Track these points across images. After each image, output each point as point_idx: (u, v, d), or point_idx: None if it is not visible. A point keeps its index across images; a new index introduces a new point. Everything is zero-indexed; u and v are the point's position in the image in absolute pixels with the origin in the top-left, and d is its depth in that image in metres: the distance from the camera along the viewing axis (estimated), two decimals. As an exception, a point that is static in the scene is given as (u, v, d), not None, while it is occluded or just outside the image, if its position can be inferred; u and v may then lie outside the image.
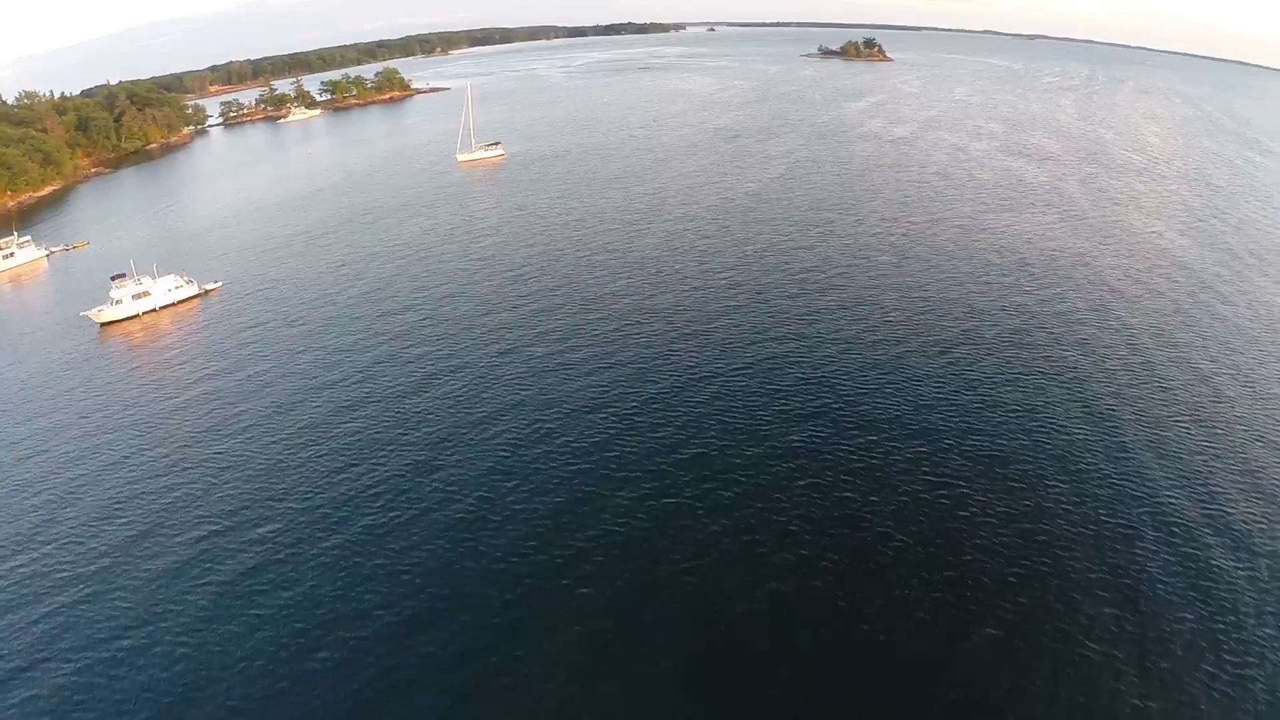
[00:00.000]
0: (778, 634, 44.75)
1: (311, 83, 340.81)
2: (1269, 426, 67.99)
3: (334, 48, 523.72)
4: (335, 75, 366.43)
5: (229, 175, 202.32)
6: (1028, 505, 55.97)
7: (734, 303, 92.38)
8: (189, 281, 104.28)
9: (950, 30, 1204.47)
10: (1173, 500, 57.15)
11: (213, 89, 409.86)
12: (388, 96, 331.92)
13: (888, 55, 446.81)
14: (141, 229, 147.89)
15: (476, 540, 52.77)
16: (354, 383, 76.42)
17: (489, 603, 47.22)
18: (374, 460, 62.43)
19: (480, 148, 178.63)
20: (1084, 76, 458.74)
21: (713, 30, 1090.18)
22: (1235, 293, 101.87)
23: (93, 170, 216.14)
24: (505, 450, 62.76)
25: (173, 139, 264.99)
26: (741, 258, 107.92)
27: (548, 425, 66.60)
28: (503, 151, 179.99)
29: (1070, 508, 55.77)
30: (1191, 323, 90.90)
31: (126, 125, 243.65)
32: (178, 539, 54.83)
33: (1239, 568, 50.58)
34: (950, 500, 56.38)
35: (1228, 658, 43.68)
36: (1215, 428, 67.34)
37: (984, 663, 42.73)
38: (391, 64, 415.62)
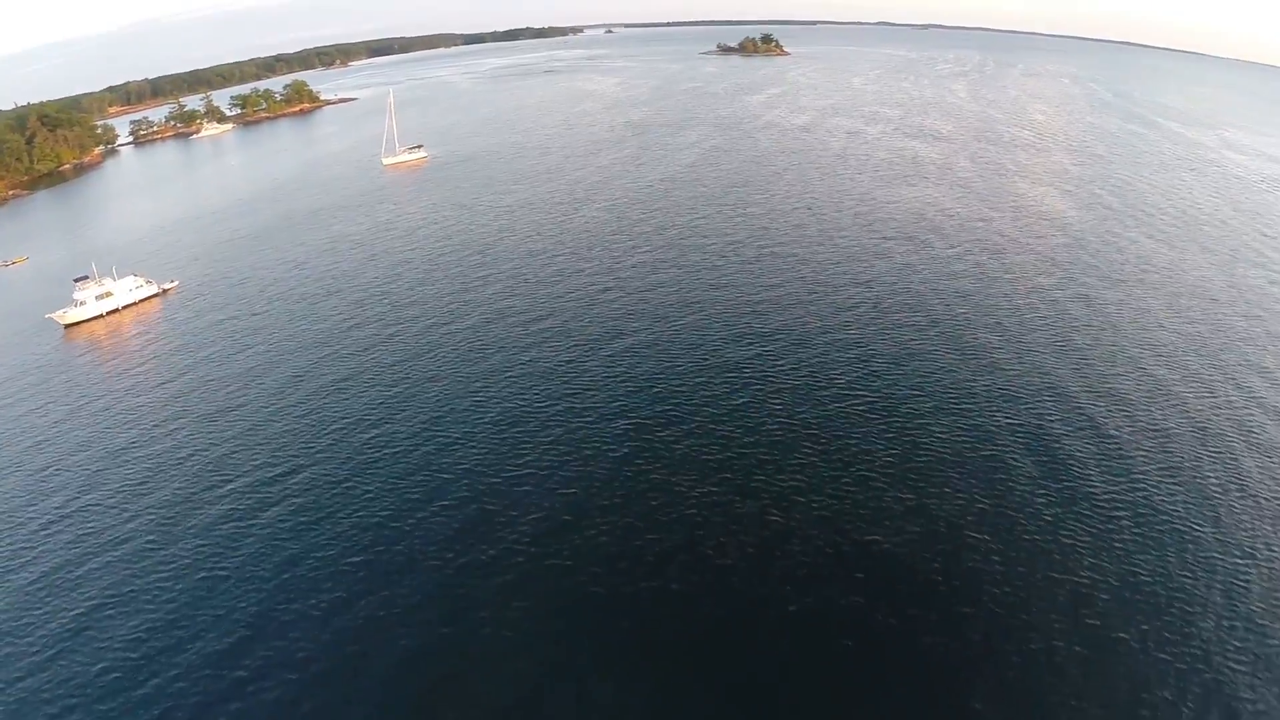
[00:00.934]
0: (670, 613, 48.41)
1: (219, 98, 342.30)
2: (1133, 357, 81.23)
3: (231, 64, 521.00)
4: (241, 90, 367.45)
5: (155, 189, 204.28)
6: (915, 436, 67.02)
7: (662, 276, 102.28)
8: (148, 282, 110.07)
9: (845, 23, 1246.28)
10: (1050, 426, 69.22)
11: (112, 110, 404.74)
12: (298, 109, 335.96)
13: (785, 50, 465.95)
14: (81, 241, 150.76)
15: (414, 524, 57.86)
16: (314, 366, 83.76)
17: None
18: (330, 439, 69.84)
19: (404, 150, 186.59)
20: (975, 63, 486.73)
21: (610, 32, 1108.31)
22: (1106, 245, 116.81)
23: (10, 193, 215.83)
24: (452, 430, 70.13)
25: (85, 159, 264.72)
26: (665, 236, 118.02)
27: (516, 388, 75.16)
28: (425, 154, 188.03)
29: (945, 435, 66.90)
30: (1066, 271, 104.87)
31: (39, 147, 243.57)
32: (171, 514, 61.05)
33: (1116, 493, 61.85)
34: (847, 436, 66.95)
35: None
36: (1086, 358, 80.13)
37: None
38: (292, 77, 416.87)
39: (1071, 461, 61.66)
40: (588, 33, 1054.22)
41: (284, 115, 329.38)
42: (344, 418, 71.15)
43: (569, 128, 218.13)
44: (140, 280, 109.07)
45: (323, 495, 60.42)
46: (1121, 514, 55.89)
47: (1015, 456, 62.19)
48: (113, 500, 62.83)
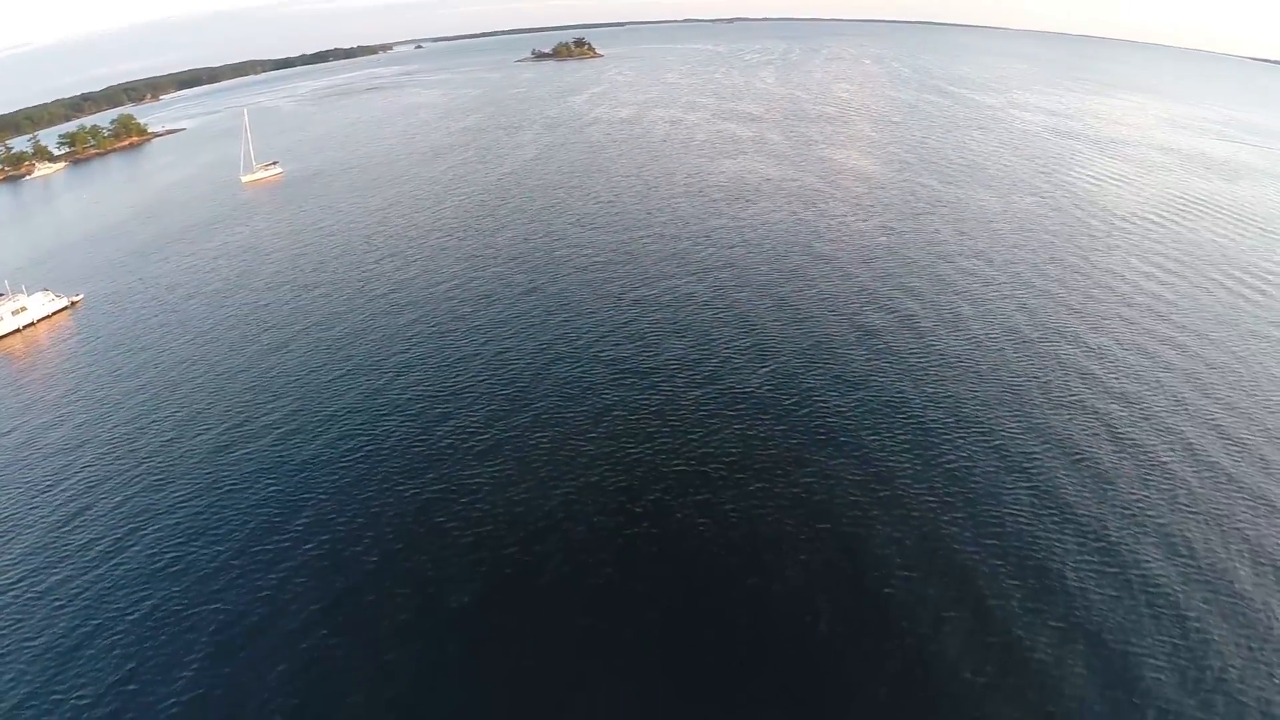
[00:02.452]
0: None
1: (43, 137, 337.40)
2: (927, 265, 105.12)
3: (36, 106, 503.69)
4: (68, 128, 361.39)
5: (18, 224, 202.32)
6: (715, 376, 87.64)
7: (530, 246, 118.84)
8: (57, 296, 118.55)
9: (652, 22, 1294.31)
10: (867, 320, 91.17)
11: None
12: (127, 142, 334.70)
13: (598, 52, 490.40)
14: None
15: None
16: (224, 360, 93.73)
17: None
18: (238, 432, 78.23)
19: (261, 168, 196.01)
20: (781, 51, 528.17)
21: (420, 47, 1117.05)
22: (903, 190, 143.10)
23: None
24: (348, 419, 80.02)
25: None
26: (525, 215, 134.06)
27: (406, 367, 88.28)
28: (280, 170, 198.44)
29: (750, 371, 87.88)
30: (870, 211, 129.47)
31: None
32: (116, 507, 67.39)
33: (927, 407, 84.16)
34: (657, 394, 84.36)
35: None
36: (890, 269, 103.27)
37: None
38: (102, 116, 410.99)
39: (885, 350, 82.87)
40: (396, 49, 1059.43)
41: (115, 150, 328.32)
42: (264, 413, 77.75)
43: (409, 137, 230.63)
44: (51, 295, 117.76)
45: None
46: (925, 402, 77.77)
47: (839, 353, 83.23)
48: (62, 501, 67.78)
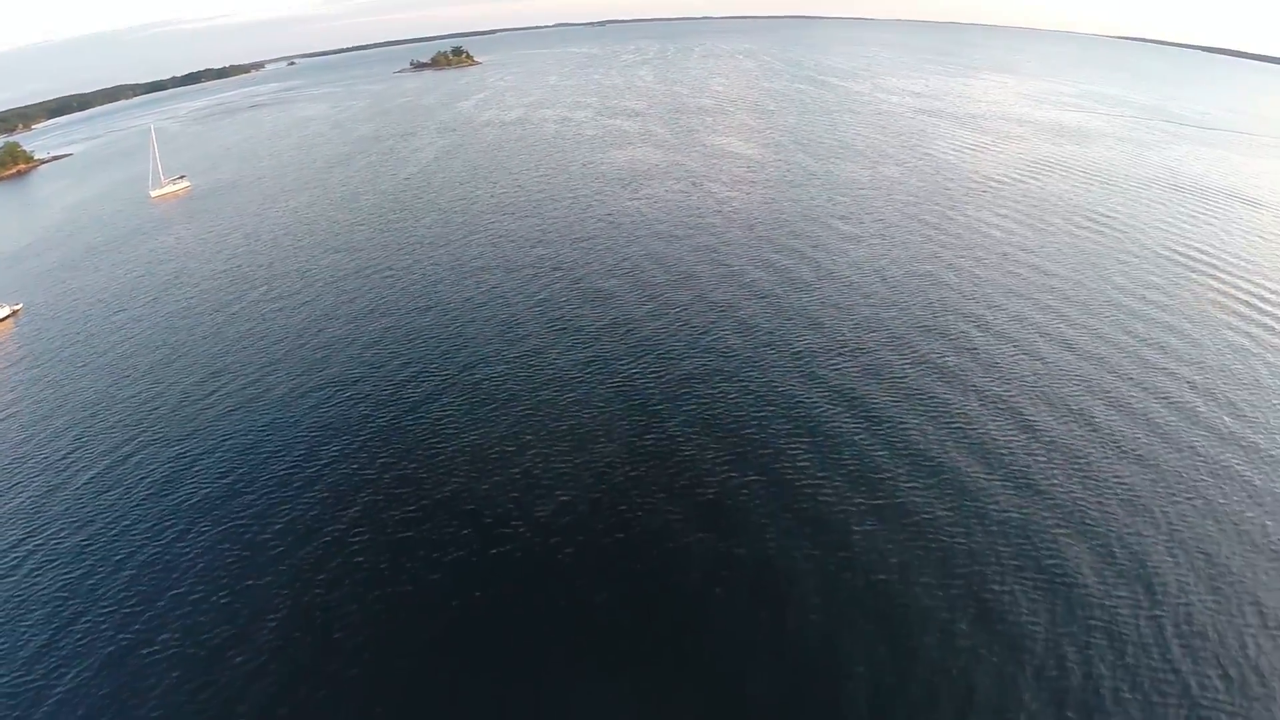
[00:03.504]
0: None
1: None
2: (803, 230, 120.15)
3: None
4: None
5: None
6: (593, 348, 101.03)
7: (448, 232, 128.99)
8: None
9: (525, 29, 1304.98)
10: (751, 273, 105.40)
11: None
12: (14, 170, 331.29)
13: (476, 59, 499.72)
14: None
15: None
16: (164, 366, 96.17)
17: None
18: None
19: (169, 182, 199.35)
20: (656, 51, 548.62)
21: (293, 64, 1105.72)
22: (779, 168, 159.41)
23: None
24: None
25: None
26: (437, 208, 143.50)
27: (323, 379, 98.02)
28: (189, 183, 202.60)
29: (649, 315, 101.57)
30: (749, 187, 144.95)
31: None
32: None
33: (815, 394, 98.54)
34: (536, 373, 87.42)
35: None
36: (773, 235, 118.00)
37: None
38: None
39: (773, 300, 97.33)
40: (269, 67, 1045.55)
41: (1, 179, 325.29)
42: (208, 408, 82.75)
43: (308, 148, 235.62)
44: None
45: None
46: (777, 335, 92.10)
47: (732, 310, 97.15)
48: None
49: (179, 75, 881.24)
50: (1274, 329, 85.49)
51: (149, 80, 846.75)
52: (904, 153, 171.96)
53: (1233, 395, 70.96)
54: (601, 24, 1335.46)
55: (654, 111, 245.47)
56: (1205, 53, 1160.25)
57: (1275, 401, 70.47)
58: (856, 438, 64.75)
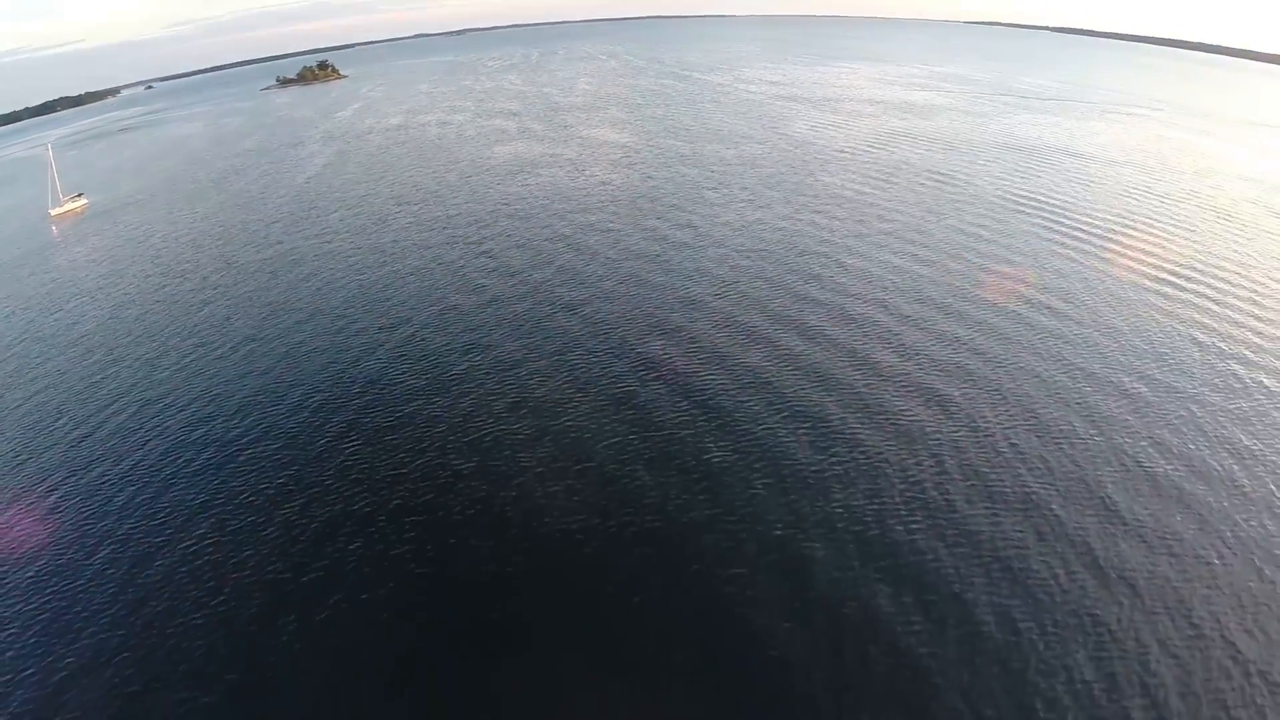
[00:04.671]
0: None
1: None
2: (673, 204, 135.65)
3: None
4: None
5: None
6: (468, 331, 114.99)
7: (354, 224, 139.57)
8: None
9: (383, 41, 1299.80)
10: (632, 244, 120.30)
11: None
12: None
13: (342, 73, 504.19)
14: None
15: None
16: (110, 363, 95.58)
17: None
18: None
19: (68, 200, 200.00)
20: (520, 56, 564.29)
21: (150, 88, 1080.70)
22: (651, 153, 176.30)
23: None
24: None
25: None
26: (333, 216, 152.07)
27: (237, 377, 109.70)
28: (86, 201, 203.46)
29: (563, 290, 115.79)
30: (627, 170, 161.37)
31: None
32: None
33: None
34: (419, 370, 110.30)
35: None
36: (646, 214, 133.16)
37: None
38: None
39: (657, 262, 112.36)
40: (125, 93, 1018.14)
41: None
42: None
43: (195, 164, 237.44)
44: None
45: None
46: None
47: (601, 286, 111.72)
48: None
49: (33, 105, 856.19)
50: (1095, 252, 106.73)
51: (3, 112, 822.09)
52: (765, 133, 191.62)
53: (1055, 299, 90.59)
54: (460, 32, 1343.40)
55: (529, 111, 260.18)
56: (1054, 33, 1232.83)
57: (1085, 299, 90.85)
58: (736, 366, 76.14)
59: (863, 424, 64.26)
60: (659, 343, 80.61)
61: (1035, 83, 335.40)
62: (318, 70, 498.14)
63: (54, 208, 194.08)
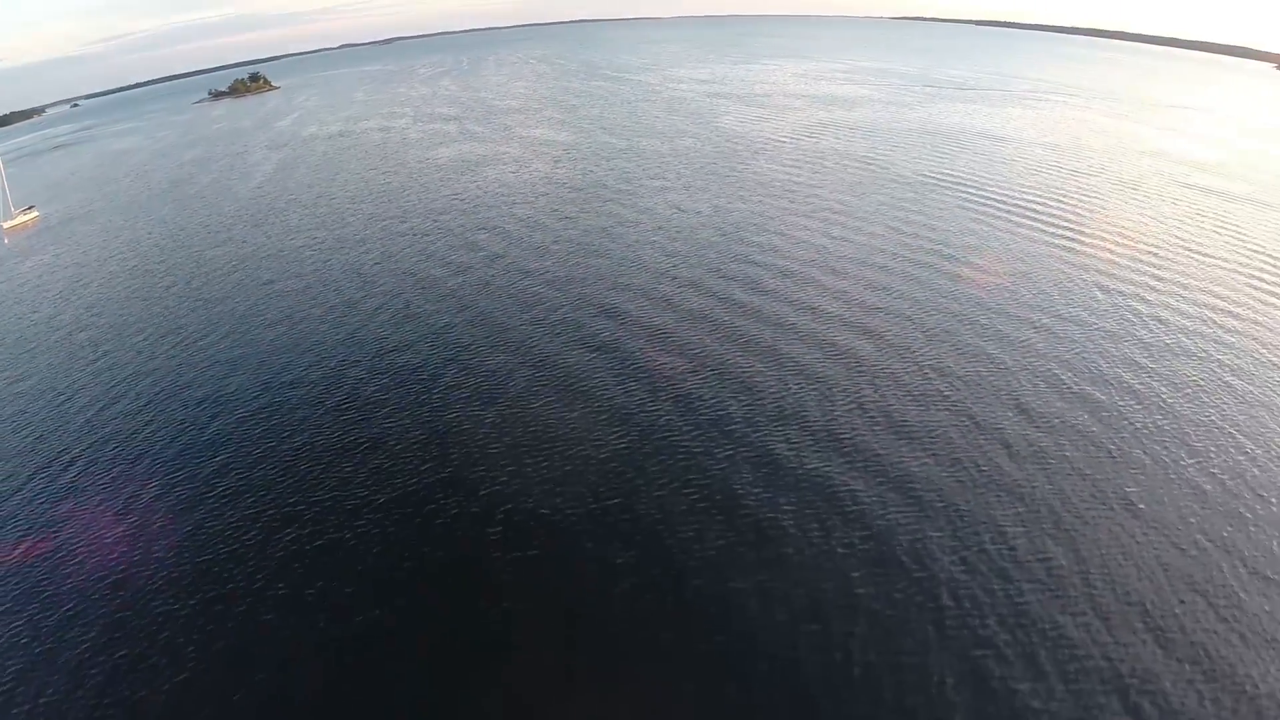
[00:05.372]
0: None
1: None
2: (602, 195, 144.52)
3: None
4: None
5: None
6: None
7: (313, 221, 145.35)
8: None
9: (312, 52, 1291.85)
10: (558, 229, 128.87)
11: None
12: None
13: (274, 84, 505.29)
14: None
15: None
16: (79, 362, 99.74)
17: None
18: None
19: (19, 213, 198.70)
20: (452, 63, 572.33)
21: (77, 106, 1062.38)
22: (591, 147, 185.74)
23: None
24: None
25: None
26: (292, 215, 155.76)
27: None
28: (38, 213, 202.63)
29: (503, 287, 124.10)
30: (570, 164, 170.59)
31: None
32: None
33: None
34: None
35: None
36: (573, 203, 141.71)
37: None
38: None
39: (603, 246, 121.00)
40: (51, 111, 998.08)
41: None
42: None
43: (141, 175, 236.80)
44: None
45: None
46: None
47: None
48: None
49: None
50: (1007, 219, 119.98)
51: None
52: (697, 128, 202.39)
53: (970, 258, 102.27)
54: (388, 41, 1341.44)
55: (468, 115, 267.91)
56: (976, 26, 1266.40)
57: (998, 258, 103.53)
58: (685, 332, 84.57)
59: (801, 361, 74.50)
60: (609, 323, 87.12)
61: (955, 74, 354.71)
62: (250, 82, 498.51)
63: (6, 220, 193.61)
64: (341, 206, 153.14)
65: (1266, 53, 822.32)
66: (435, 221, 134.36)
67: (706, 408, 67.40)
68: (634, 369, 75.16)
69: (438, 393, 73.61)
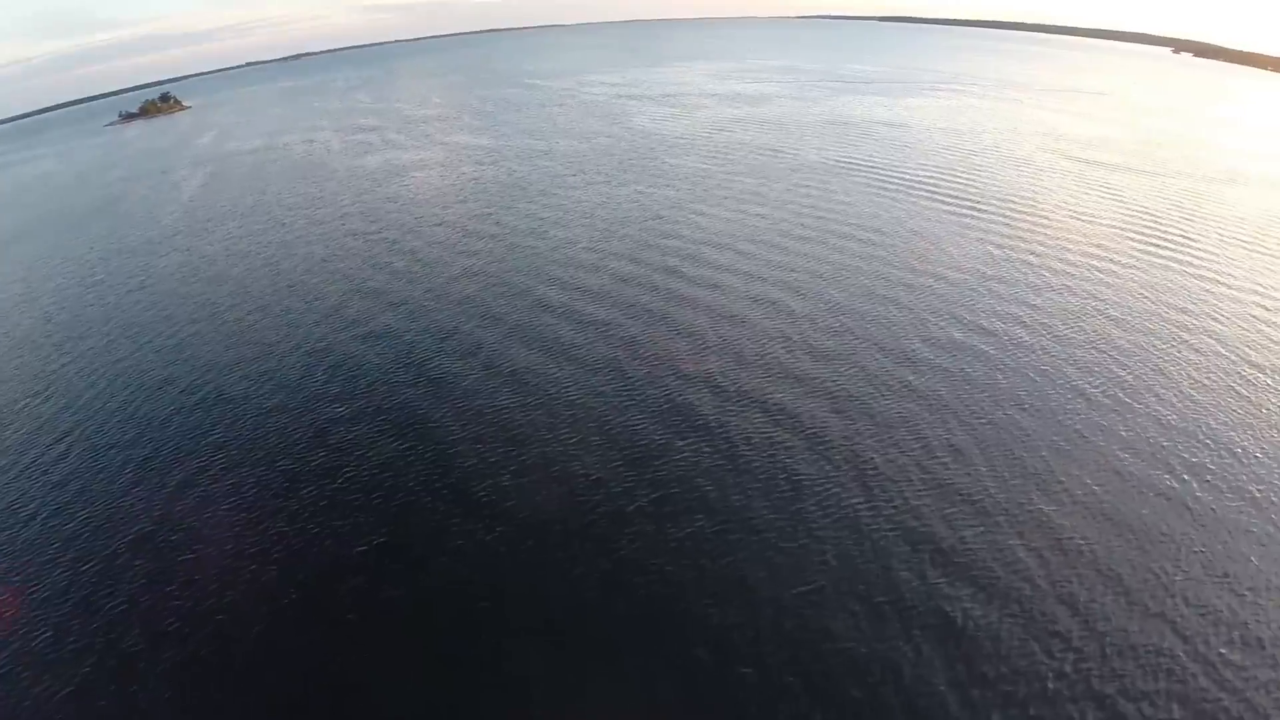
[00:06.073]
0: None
1: None
2: (526, 195, 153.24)
3: None
4: None
5: None
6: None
7: (256, 242, 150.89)
8: None
9: (215, 71, 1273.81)
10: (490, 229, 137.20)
11: None
12: None
13: (185, 104, 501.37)
14: None
15: None
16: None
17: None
18: None
19: None
20: (363, 76, 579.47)
21: None
22: (510, 150, 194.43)
23: None
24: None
25: None
26: (229, 224, 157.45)
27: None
28: None
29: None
30: (494, 165, 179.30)
31: None
32: None
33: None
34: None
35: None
36: (502, 206, 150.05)
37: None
38: None
39: (523, 243, 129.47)
40: None
41: None
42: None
43: (65, 198, 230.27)
44: None
45: None
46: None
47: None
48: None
49: None
50: (908, 196, 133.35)
51: None
52: (613, 128, 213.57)
53: (872, 232, 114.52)
54: (294, 58, 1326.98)
55: (387, 125, 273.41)
56: (881, 21, 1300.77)
57: (898, 231, 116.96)
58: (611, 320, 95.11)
59: (727, 330, 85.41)
60: (543, 313, 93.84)
61: (859, 69, 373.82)
62: (161, 103, 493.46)
63: None
64: (277, 214, 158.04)
65: (1163, 38, 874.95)
66: (373, 222, 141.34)
67: (633, 373, 74.97)
68: (574, 346, 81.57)
69: (382, 383, 77.24)
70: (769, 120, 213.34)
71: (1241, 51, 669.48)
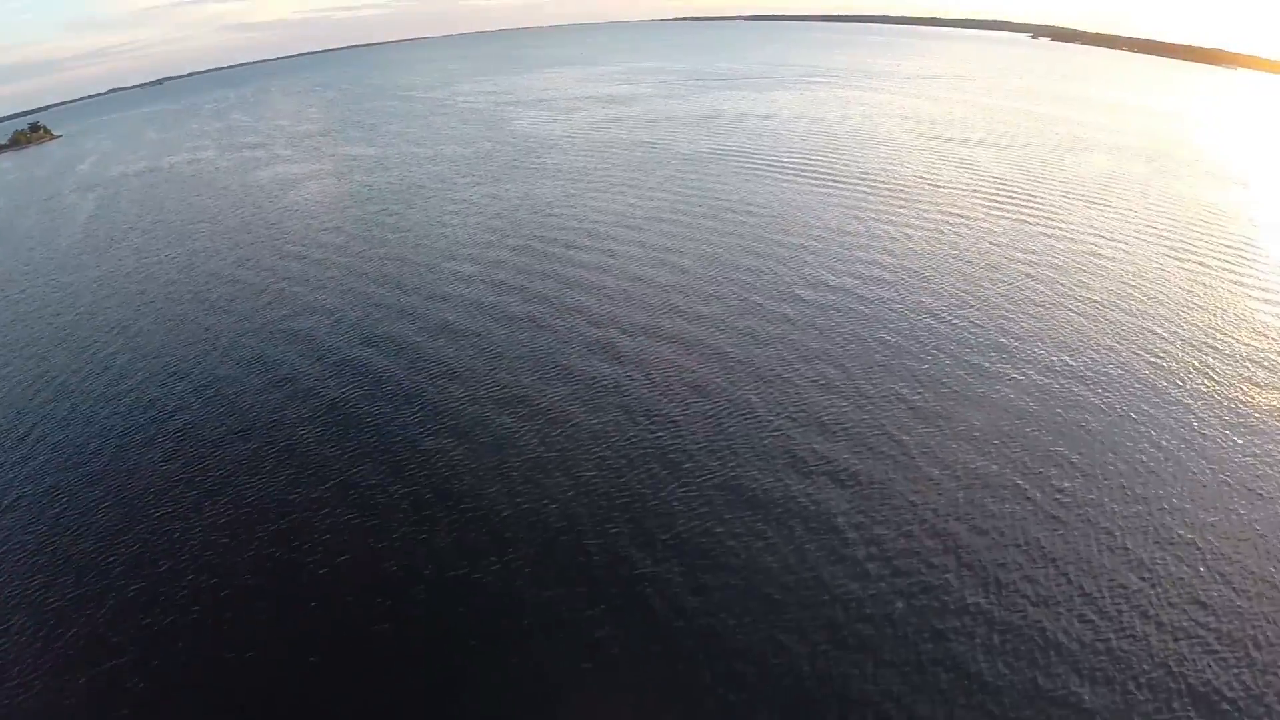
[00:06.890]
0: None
1: None
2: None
3: None
4: None
5: None
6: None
7: (157, 258, 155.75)
8: None
9: (78, 100, 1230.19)
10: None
11: None
12: None
13: (55, 133, 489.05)
14: None
15: None
16: None
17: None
18: None
19: None
20: (236, 96, 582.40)
21: None
22: (399, 157, 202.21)
23: None
24: None
25: None
26: (129, 242, 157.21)
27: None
28: None
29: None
30: (385, 172, 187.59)
31: None
32: None
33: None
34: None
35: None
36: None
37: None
38: None
39: (414, 236, 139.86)
40: None
41: None
42: None
43: (21, 214, 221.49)
44: None
45: None
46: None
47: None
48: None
49: None
50: (777, 177, 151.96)
51: None
52: (494, 133, 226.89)
53: (747, 209, 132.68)
54: (159, 82, 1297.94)
55: (272, 141, 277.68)
56: (749, 20, 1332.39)
57: (771, 206, 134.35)
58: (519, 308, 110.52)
59: (618, 304, 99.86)
60: (455, 298, 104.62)
61: (727, 66, 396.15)
62: (30, 132, 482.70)
63: None
64: (181, 228, 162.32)
65: (1023, 24, 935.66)
66: (274, 230, 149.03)
67: (530, 351, 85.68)
68: (474, 334, 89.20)
69: (332, 390, 79.48)
70: (642, 118, 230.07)
71: (1099, 34, 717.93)
